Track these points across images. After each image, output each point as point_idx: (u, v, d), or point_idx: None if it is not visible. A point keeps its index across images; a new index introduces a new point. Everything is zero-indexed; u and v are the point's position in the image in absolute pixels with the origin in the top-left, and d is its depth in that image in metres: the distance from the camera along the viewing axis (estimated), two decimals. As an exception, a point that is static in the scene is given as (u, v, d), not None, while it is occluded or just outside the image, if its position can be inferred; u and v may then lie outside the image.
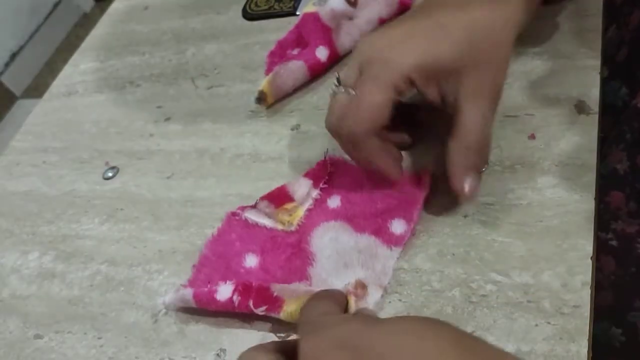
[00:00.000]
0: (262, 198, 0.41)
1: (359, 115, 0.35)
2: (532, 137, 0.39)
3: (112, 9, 0.70)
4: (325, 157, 0.42)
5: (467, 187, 0.35)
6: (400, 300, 0.35)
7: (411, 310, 0.34)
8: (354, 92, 0.35)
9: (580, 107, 0.40)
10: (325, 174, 0.41)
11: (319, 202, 0.40)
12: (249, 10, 0.61)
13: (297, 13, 0.58)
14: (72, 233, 0.47)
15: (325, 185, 0.41)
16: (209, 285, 0.37)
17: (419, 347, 0.24)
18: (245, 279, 0.37)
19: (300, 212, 0.40)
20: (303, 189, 0.41)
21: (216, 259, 0.40)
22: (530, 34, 0.46)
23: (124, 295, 0.41)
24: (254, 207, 0.41)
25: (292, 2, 0.59)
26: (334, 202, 0.40)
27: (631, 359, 0.50)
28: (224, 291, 0.36)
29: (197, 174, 0.47)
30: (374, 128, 0.35)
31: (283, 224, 0.40)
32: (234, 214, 0.41)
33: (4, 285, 0.45)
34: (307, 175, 0.42)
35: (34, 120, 0.59)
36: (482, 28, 0.34)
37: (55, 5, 2.23)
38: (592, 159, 0.37)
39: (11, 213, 0.50)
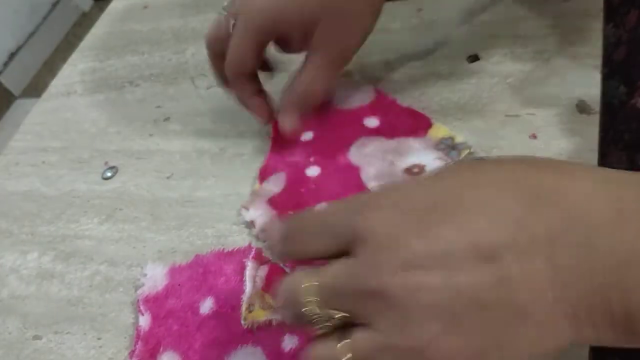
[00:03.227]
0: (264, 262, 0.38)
1: (228, 60, 0.40)
2: (533, 136, 0.39)
3: (111, 8, 0.70)
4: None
5: (284, 123, 0.42)
6: (400, 300, 0.35)
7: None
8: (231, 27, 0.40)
9: (581, 107, 0.39)
10: None
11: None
12: (248, 10, 0.61)
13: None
14: (71, 233, 0.47)
15: None
16: None
17: (500, 201, 0.22)
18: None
19: (262, 318, 0.35)
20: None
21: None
22: (531, 34, 0.46)
23: (123, 296, 0.41)
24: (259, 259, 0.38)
25: (292, 2, 0.59)
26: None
27: (631, 356, 0.50)
28: None
29: (196, 174, 0.47)
30: (241, 72, 0.41)
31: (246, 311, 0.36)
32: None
33: (2, 285, 0.45)
34: None
35: (33, 120, 0.59)
36: None
37: (54, 5, 2.23)
38: (592, 158, 0.37)
39: (10, 213, 0.50)
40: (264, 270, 0.38)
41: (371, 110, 0.45)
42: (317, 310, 0.24)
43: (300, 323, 0.25)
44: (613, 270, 0.21)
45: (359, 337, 0.23)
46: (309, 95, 0.41)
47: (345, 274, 0.23)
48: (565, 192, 0.22)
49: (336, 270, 0.24)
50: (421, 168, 0.40)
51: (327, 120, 0.45)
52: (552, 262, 0.21)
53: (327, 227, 0.25)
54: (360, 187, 0.40)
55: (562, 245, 0.22)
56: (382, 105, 0.45)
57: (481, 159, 0.26)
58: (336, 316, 0.23)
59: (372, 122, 0.44)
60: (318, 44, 0.39)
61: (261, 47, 0.40)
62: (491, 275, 0.21)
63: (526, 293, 0.21)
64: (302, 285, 0.24)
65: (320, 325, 0.24)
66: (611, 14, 0.50)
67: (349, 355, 0.23)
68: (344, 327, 0.24)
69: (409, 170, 0.40)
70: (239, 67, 0.41)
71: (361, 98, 0.46)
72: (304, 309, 0.24)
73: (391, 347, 0.22)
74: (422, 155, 0.40)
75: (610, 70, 0.50)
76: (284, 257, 0.29)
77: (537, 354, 0.22)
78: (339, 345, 0.23)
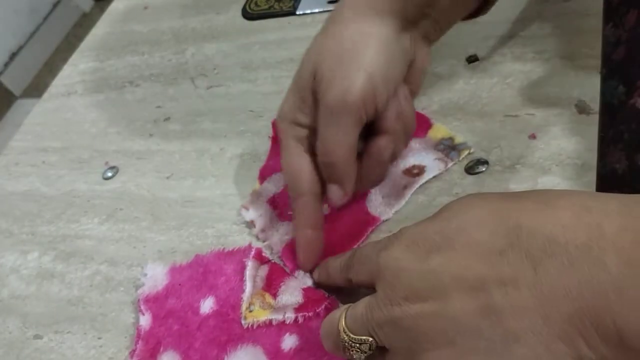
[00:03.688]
0: (264, 262, 0.39)
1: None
2: (533, 137, 0.39)
3: (112, 8, 0.70)
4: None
5: (328, 195, 0.36)
6: (400, 300, 0.35)
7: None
8: None
9: (581, 107, 0.40)
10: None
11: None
12: (248, 10, 0.61)
13: (297, 13, 0.58)
14: (71, 233, 0.47)
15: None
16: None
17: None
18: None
19: (262, 317, 0.35)
20: (288, 298, 0.36)
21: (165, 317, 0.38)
22: (530, 34, 0.46)
23: (123, 295, 0.41)
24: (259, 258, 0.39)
25: (292, 2, 0.59)
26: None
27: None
28: None
29: (196, 174, 0.47)
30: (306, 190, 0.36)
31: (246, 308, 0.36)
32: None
33: (3, 285, 0.45)
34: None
35: (33, 120, 0.59)
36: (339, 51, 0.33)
37: (55, 5, 2.23)
38: (592, 158, 0.37)
39: (10, 213, 0.50)
40: (264, 270, 0.38)
41: None
42: (347, 338, 0.28)
43: (338, 351, 0.30)
44: (598, 294, 0.21)
45: None
46: (325, 159, 0.34)
47: (367, 307, 0.28)
48: (545, 222, 0.23)
49: (361, 304, 0.28)
50: (421, 169, 0.40)
51: None
52: (537, 287, 0.23)
53: (362, 263, 0.31)
54: None
55: (544, 271, 0.22)
56: None
57: (474, 196, 0.27)
58: (363, 342, 0.28)
59: None
60: (318, 96, 0.34)
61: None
62: (478, 304, 0.24)
63: (514, 318, 0.23)
64: (336, 318, 0.29)
65: (354, 351, 0.28)
66: (610, 14, 0.50)
67: None
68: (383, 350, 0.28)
69: (408, 171, 0.40)
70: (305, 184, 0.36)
71: None
72: (339, 337, 0.29)
73: None
74: (422, 155, 0.40)
75: (610, 70, 0.50)
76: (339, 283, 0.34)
77: None
78: None
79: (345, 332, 0.28)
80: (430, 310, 0.25)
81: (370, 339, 0.28)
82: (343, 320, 0.29)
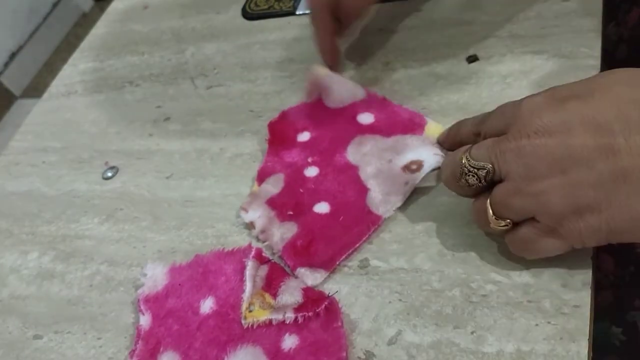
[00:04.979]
0: (264, 262, 0.39)
1: None
2: (532, 136, 0.39)
3: (112, 8, 0.70)
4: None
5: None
6: (400, 300, 0.35)
7: (411, 311, 0.34)
8: None
9: (580, 107, 0.40)
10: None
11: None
12: (248, 10, 0.61)
13: (297, 13, 0.58)
14: (71, 233, 0.47)
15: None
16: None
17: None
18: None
19: (262, 317, 0.35)
20: (288, 297, 0.36)
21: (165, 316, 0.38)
22: (530, 34, 0.46)
23: (123, 295, 0.41)
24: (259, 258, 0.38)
25: (292, 2, 0.59)
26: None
27: (631, 357, 0.50)
28: None
29: (196, 173, 0.47)
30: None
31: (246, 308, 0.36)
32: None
33: (3, 285, 0.45)
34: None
35: (33, 120, 0.59)
36: None
37: (55, 5, 2.23)
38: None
39: (10, 213, 0.50)
40: (264, 270, 0.38)
41: (364, 106, 0.45)
42: (467, 163, 0.31)
43: (454, 178, 0.33)
44: None
45: (497, 189, 0.31)
46: None
47: (494, 140, 0.31)
48: None
49: (489, 140, 0.31)
50: (419, 164, 0.40)
51: (323, 120, 0.45)
52: None
53: (502, 112, 0.33)
54: (358, 185, 0.40)
55: None
56: (374, 101, 0.45)
57: (619, 69, 0.30)
58: (482, 167, 0.31)
59: (366, 118, 0.44)
60: None
61: None
62: (599, 141, 0.27)
63: (630, 159, 0.26)
64: (461, 149, 0.33)
65: (470, 176, 0.31)
66: (612, 13, 0.51)
67: (488, 201, 0.31)
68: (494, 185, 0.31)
69: (407, 168, 0.40)
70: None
71: (353, 94, 0.46)
72: (459, 164, 0.32)
73: (518, 192, 0.29)
74: (419, 151, 0.40)
75: (611, 68, 0.50)
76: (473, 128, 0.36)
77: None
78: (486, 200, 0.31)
79: (467, 158, 0.31)
80: (553, 141, 0.28)
81: (490, 165, 0.30)
82: (468, 150, 0.32)
